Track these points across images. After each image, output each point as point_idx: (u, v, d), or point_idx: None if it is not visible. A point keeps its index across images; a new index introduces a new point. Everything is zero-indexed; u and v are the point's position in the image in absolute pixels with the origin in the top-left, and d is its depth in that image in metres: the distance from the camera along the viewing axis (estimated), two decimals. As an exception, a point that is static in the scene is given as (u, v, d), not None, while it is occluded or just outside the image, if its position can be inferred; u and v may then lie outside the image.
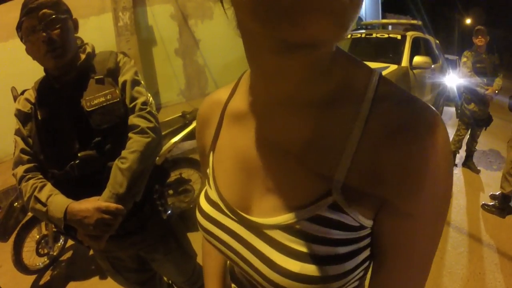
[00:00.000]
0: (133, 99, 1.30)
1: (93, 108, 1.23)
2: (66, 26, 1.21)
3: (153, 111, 1.34)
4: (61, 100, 1.26)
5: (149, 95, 1.36)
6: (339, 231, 0.45)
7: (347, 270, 0.46)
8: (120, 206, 1.17)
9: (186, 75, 6.91)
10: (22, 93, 1.36)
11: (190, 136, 2.96)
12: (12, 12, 4.86)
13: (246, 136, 0.54)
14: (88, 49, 1.33)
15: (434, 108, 0.43)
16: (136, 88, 1.32)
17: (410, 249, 0.45)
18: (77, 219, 1.14)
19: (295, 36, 0.35)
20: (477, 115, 3.91)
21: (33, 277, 2.66)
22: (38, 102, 1.28)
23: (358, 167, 0.44)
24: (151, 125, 1.28)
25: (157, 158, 2.87)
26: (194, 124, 2.94)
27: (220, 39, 7.04)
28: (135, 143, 1.23)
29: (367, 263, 0.50)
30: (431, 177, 0.41)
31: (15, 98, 2.60)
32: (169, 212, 1.49)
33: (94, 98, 1.24)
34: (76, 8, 5.78)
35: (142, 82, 1.38)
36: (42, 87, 1.31)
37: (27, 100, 1.30)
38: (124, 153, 1.23)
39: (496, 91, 3.80)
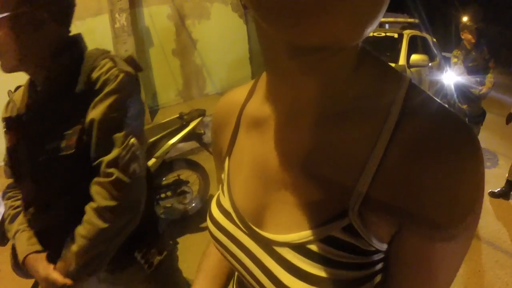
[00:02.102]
0: (98, 153, 0.90)
1: (39, 157, 0.93)
2: (7, 28, 0.86)
3: (123, 178, 0.89)
4: (23, 128, 0.99)
5: (132, 140, 0.91)
6: (352, 254, 0.42)
7: None
8: (68, 282, 0.98)
9: (183, 75, 6.90)
10: (16, 89, 1.13)
11: (188, 137, 2.96)
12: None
13: (266, 145, 0.51)
14: (65, 59, 0.96)
15: (468, 124, 0.40)
16: (107, 135, 0.90)
17: (434, 273, 0.42)
18: (31, 272, 1.07)
19: (311, 38, 0.32)
20: (471, 113, 3.91)
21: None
22: (6, 124, 1.05)
23: (379, 187, 0.40)
24: (112, 203, 0.89)
25: (155, 159, 2.85)
26: (191, 125, 2.94)
27: (218, 39, 7.04)
28: (85, 224, 0.91)
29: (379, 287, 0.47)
30: (468, 200, 0.38)
31: (11, 101, 2.59)
32: (152, 269, 1.21)
33: (49, 140, 0.91)
34: (72, 10, 5.67)
35: (129, 110, 0.93)
36: (23, 96, 1.04)
37: (13, 105, 1.07)
38: (77, 229, 0.92)
39: (490, 88, 3.79)
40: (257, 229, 0.50)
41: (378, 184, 0.40)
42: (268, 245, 0.48)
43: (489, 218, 3.22)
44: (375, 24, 0.33)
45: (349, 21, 0.31)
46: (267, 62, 0.47)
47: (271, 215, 0.49)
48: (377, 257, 0.44)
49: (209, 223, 0.58)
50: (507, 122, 3.55)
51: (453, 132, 0.38)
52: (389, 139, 0.40)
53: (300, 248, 0.44)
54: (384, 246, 0.43)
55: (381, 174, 0.40)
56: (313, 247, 0.43)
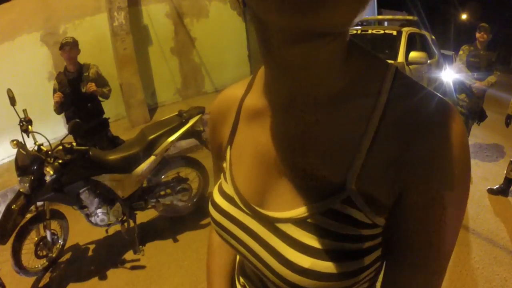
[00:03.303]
0: None
1: None
2: None
3: None
4: None
5: None
6: (351, 226, 0.45)
7: (358, 268, 0.46)
8: None
9: (182, 74, 6.90)
10: None
11: (187, 135, 2.96)
12: (7, 14, 4.85)
13: (266, 133, 0.54)
14: None
15: (446, 100, 0.44)
16: None
17: (431, 240, 0.44)
18: None
19: (318, 22, 0.34)
20: (469, 106, 3.94)
21: (32, 279, 2.65)
22: None
23: (373, 163, 0.43)
24: None
25: (155, 157, 2.85)
26: (190, 123, 2.94)
27: (216, 37, 7.04)
28: None
29: (378, 264, 0.49)
30: (454, 166, 0.41)
31: (11, 100, 2.59)
32: None
33: None
34: (71, 9, 5.73)
35: None
36: None
37: None
38: None
39: (486, 86, 3.83)
40: (260, 209, 0.53)
41: (372, 159, 0.44)
42: (271, 223, 0.51)
43: (487, 215, 3.23)
44: (364, 10, 0.35)
45: (347, 5, 0.33)
46: (264, 54, 0.49)
47: (273, 196, 0.52)
48: (375, 231, 0.46)
49: (211, 209, 0.61)
50: (507, 125, 3.56)
51: (436, 106, 0.42)
52: (379, 119, 0.43)
53: (302, 222, 0.47)
54: (381, 221, 0.46)
55: (375, 150, 0.43)
56: (315, 221, 0.46)
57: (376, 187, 0.44)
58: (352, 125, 0.45)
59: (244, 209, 0.55)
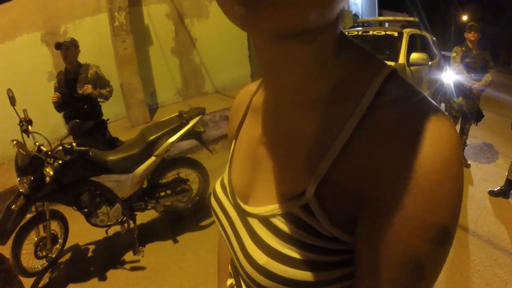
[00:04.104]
0: None
1: None
2: None
3: None
4: None
5: None
6: (308, 234, 0.43)
7: (315, 280, 0.43)
8: None
9: (182, 74, 6.89)
10: None
11: (187, 135, 2.96)
12: (7, 14, 4.85)
13: (258, 129, 0.56)
14: None
15: (444, 112, 0.38)
16: None
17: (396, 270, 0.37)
18: None
19: (256, 27, 0.35)
20: (465, 108, 3.94)
21: (32, 279, 2.65)
22: None
23: (339, 174, 0.40)
24: None
25: (155, 158, 2.85)
26: (191, 124, 2.94)
27: (217, 37, 7.02)
28: None
29: (344, 283, 0.45)
30: (433, 193, 0.35)
31: (11, 99, 2.58)
32: None
33: None
34: (72, 9, 5.71)
35: None
36: None
37: None
38: None
39: (484, 86, 3.83)
40: (239, 201, 0.56)
41: (339, 169, 0.41)
42: (243, 216, 0.54)
43: (488, 216, 3.22)
44: (325, 9, 0.34)
45: (291, 7, 0.32)
46: (255, 53, 0.49)
47: (254, 191, 0.54)
48: (337, 246, 0.43)
49: (211, 197, 0.66)
50: None
51: (426, 122, 0.36)
52: (356, 124, 0.39)
53: (265, 220, 0.48)
54: (344, 236, 0.42)
55: (344, 159, 0.40)
56: (275, 221, 0.47)
57: (339, 199, 0.41)
58: (329, 128, 0.42)
59: (231, 199, 0.59)
